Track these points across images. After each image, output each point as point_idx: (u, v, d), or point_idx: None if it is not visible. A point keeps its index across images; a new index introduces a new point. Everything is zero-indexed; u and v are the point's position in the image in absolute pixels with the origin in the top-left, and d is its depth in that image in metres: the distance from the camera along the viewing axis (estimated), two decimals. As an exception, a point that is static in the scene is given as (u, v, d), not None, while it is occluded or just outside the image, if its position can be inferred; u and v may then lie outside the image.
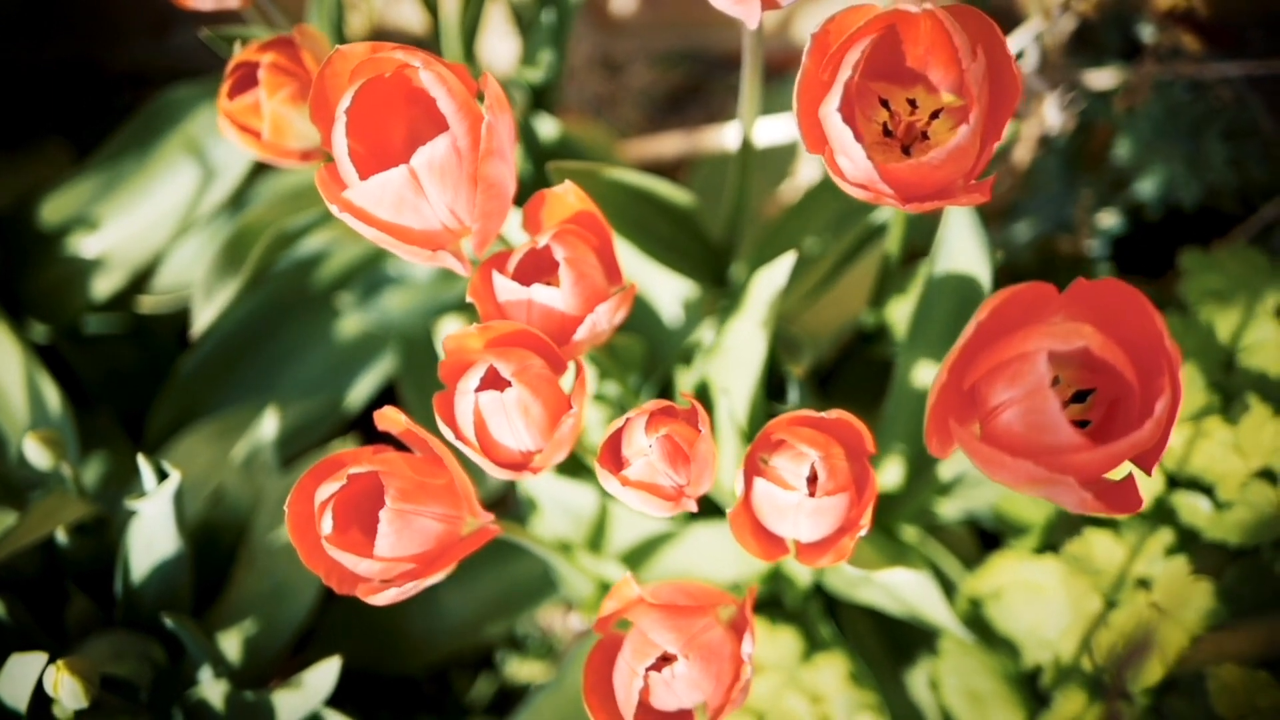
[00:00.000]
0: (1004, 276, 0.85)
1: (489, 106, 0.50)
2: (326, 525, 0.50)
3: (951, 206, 0.57)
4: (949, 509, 0.73)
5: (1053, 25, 0.79)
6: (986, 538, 0.80)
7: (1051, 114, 0.79)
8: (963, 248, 0.63)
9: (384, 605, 0.51)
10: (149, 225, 0.88)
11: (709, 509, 0.73)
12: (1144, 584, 0.67)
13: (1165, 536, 0.67)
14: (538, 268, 0.55)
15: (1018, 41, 0.80)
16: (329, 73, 0.51)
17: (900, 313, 0.79)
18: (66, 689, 0.59)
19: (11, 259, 0.90)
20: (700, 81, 1.12)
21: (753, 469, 0.52)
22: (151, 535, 0.68)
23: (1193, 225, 0.88)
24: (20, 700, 0.61)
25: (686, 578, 0.74)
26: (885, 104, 0.52)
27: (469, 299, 0.54)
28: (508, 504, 0.92)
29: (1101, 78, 0.84)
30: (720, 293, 0.76)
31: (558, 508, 0.76)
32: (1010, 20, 0.83)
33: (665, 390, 0.77)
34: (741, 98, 0.64)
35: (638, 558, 0.75)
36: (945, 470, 0.67)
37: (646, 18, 1.08)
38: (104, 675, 0.64)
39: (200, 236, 0.89)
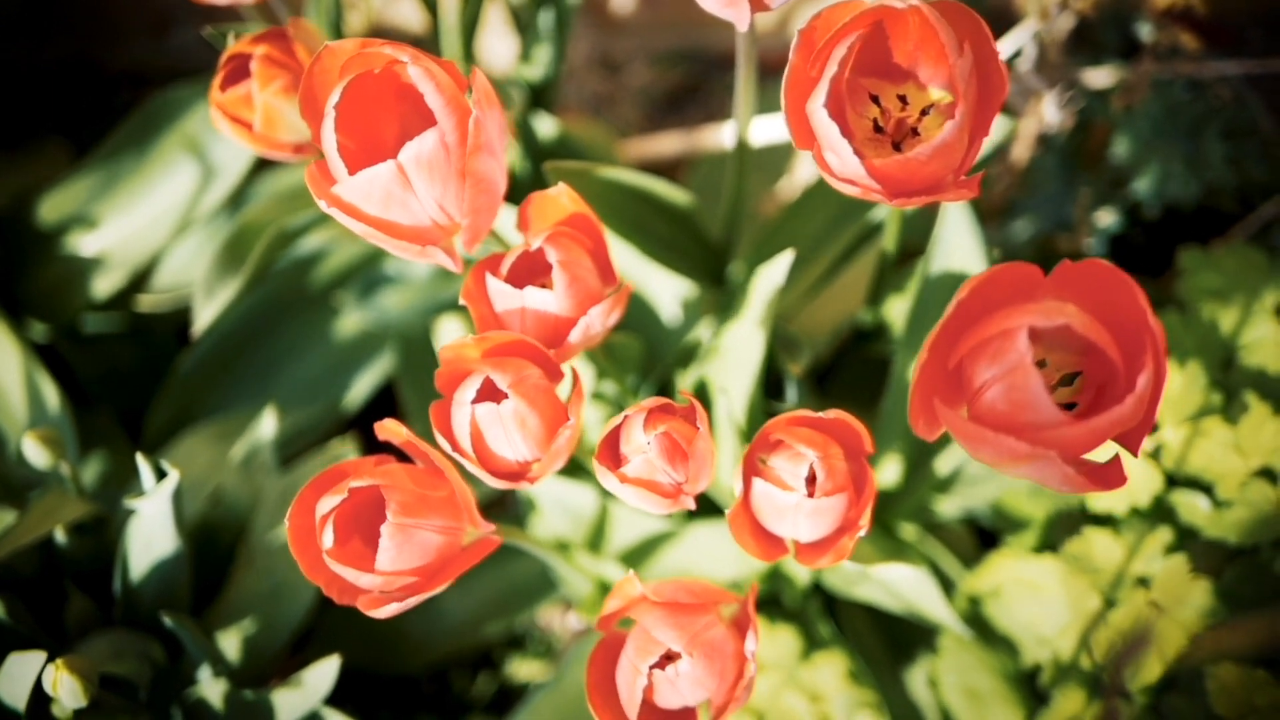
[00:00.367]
0: (1002, 275, 0.85)
1: (477, 101, 0.50)
2: (328, 539, 0.50)
3: (947, 204, 0.57)
4: (947, 507, 0.73)
5: (1051, 24, 0.79)
6: (985, 536, 0.80)
7: (1050, 112, 0.79)
8: (959, 246, 0.63)
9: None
10: (148, 224, 0.88)
11: (707, 508, 0.73)
12: (1143, 582, 0.67)
13: (1164, 535, 0.67)
14: (531, 270, 0.55)
15: (1016, 40, 0.80)
16: (318, 68, 0.50)
17: (897, 311, 0.79)
18: (65, 688, 0.59)
19: (10, 258, 0.90)
20: (699, 81, 1.12)
21: (751, 469, 0.52)
22: (150, 534, 0.68)
23: (1191, 224, 0.88)
24: (19, 699, 0.61)
25: (686, 576, 0.74)
26: (876, 100, 0.52)
27: (462, 302, 0.54)
28: (507, 503, 0.92)
29: (1100, 76, 0.83)
30: (718, 292, 0.76)
31: (557, 508, 0.76)
32: (1008, 19, 0.83)
33: (664, 389, 0.77)
34: (737, 97, 0.64)
35: (637, 557, 0.75)
36: (943, 467, 0.67)
37: (645, 17, 1.08)
38: (103, 674, 0.65)
39: (199, 235, 0.89)
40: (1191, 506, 0.67)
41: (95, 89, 1.10)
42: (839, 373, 0.86)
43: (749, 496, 0.53)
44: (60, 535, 0.72)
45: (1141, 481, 0.67)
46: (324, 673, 0.66)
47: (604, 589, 0.75)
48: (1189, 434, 0.67)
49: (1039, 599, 0.69)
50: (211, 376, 0.90)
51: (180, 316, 0.87)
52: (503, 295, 0.54)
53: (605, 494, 0.74)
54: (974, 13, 0.48)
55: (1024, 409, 0.44)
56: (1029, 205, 0.87)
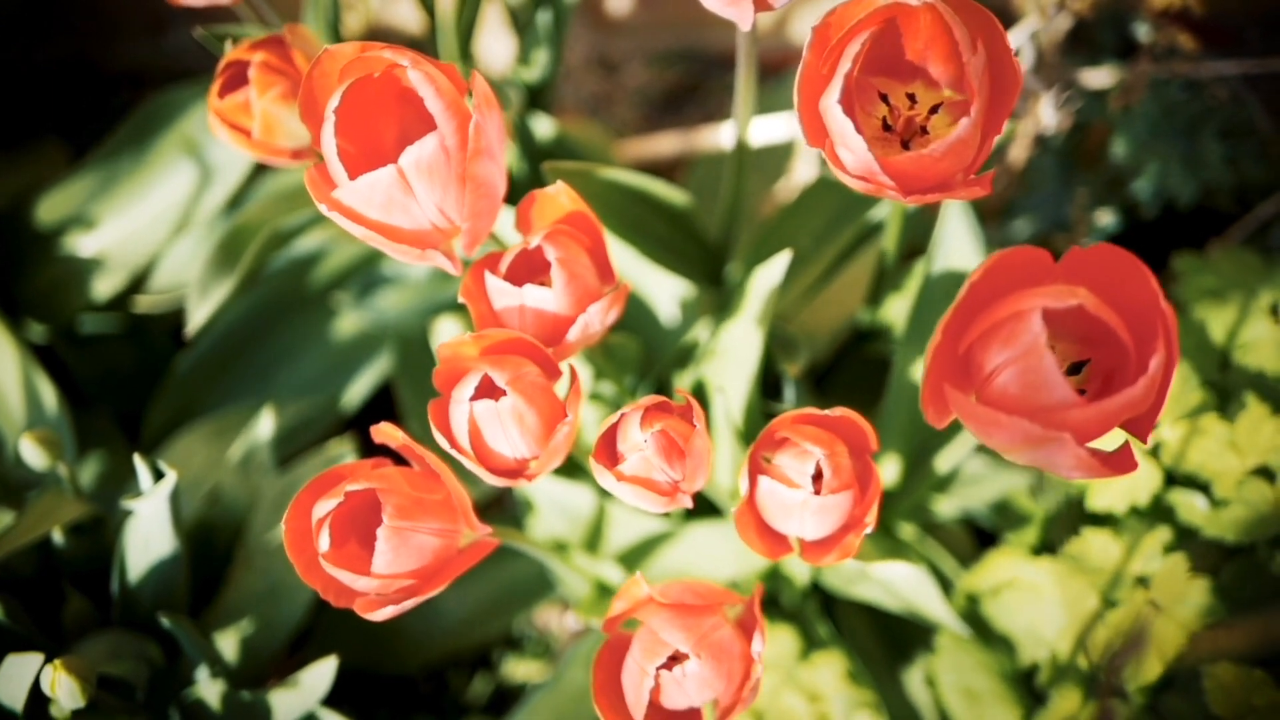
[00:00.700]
0: (1000, 275, 0.85)
1: (477, 105, 0.50)
2: (324, 542, 0.50)
3: (949, 203, 0.57)
4: (946, 507, 0.73)
5: (1048, 24, 0.79)
6: (983, 536, 0.80)
7: (1048, 113, 0.79)
8: (959, 246, 0.63)
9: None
10: (146, 225, 0.88)
11: (705, 508, 0.73)
12: (1141, 582, 0.67)
13: (1162, 534, 0.67)
14: (530, 268, 0.55)
15: (1013, 40, 0.80)
16: (318, 72, 0.50)
17: (897, 311, 0.79)
18: (63, 689, 0.59)
19: (8, 259, 0.90)
20: (697, 81, 1.12)
21: (756, 467, 0.52)
22: (148, 535, 0.68)
23: (1189, 224, 0.88)
24: (17, 700, 0.61)
25: (684, 577, 0.74)
26: (884, 99, 0.52)
27: (461, 300, 0.54)
28: (504, 503, 0.92)
29: (1097, 76, 0.84)
30: (716, 292, 0.76)
31: (554, 508, 0.76)
32: (1006, 19, 0.83)
33: (661, 389, 0.77)
34: (736, 98, 0.64)
35: (635, 558, 0.75)
36: (941, 467, 0.67)
37: (643, 17, 1.08)
38: (101, 675, 0.64)
39: (197, 236, 0.89)
40: (1189, 505, 0.67)
41: (94, 89, 1.10)
42: (838, 373, 0.87)
43: (754, 494, 0.53)
44: (58, 536, 0.72)
45: (1141, 479, 0.67)
46: (321, 673, 0.66)
47: (602, 589, 0.75)
48: (1187, 432, 0.67)
49: (1037, 599, 0.69)
50: (209, 377, 0.90)
51: (178, 317, 0.87)
52: (502, 293, 0.54)
53: (603, 494, 0.74)
54: (986, 10, 0.48)
55: (1037, 390, 0.44)
56: (1027, 205, 0.87)
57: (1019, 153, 0.83)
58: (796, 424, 0.52)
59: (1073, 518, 0.71)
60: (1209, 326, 0.71)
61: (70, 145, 1.01)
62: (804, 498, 0.51)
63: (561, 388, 0.54)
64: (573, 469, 0.76)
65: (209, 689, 0.67)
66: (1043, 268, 0.47)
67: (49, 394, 0.79)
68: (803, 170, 0.97)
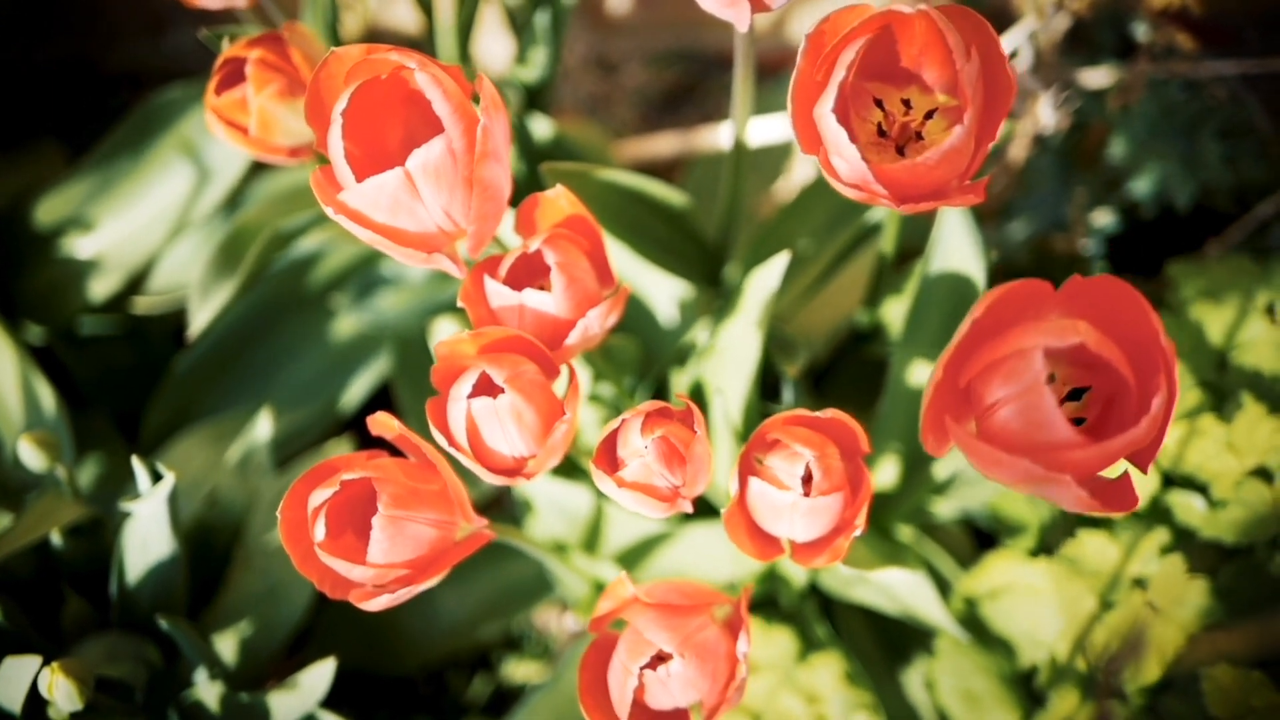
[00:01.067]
0: (999, 276, 0.85)
1: (484, 109, 0.50)
2: (319, 532, 0.50)
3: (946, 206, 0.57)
4: (944, 508, 0.73)
5: (1047, 24, 0.79)
6: (982, 537, 0.80)
7: (1046, 113, 0.79)
8: (957, 247, 0.63)
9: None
10: (144, 226, 0.88)
11: (704, 509, 0.73)
12: (1139, 583, 0.67)
13: (1160, 535, 0.67)
14: (530, 272, 0.55)
15: (1012, 40, 0.80)
16: (325, 75, 0.50)
17: (895, 312, 0.79)
18: (61, 691, 0.59)
19: (6, 260, 0.90)
20: (696, 81, 1.12)
21: (748, 469, 0.52)
22: (146, 537, 0.68)
23: (1188, 224, 0.88)
24: (15, 703, 0.61)
25: (682, 577, 0.74)
26: (880, 104, 0.52)
27: (460, 303, 0.54)
28: (503, 504, 0.92)
29: (1096, 76, 0.84)
30: (715, 293, 0.76)
31: (553, 508, 0.76)
32: (1004, 19, 0.83)
33: (660, 391, 0.77)
34: (734, 99, 0.64)
35: (633, 558, 0.75)
36: (940, 469, 0.67)
37: (641, 17, 1.08)
38: (99, 677, 0.64)
39: (195, 237, 0.89)
40: (1187, 506, 0.67)
41: (92, 90, 1.10)
42: (836, 374, 0.86)
43: (745, 496, 0.53)
44: (56, 538, 0.72)
45: (1139, 481, 0.67)
46: (320, 675, 0.66)
47: (600, 590, 0.75)
48: (1184, 433, 0.67)
49: (1035, 601, 0.69)
50: (208, 378, 0.90)
51: (177, 319, 0.87)
52: (501, 297, 0.54)
53: (601, 495, 0.74)
54: (980, 17, 0.48)
55: (1037, 429, 0.45)
56: (1025, 206, 0.87)
57: (1017, 153, 0.83)
58: (787, 426, 0.52)
59: (1070, 520, 0.71)
60: (1206, 327, 0.71)
61: (69, 146, 1.00)
62: (793, 500, 0.51)
63: (560, 386, 0.54)
64: (571, 469, 0.76)
65: (207, 691, 0.67)
66: (1044, 299, 0.47)
67: (47, 395, 0.79)
68: (801, 170, 0.97)
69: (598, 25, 1.10)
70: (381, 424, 0.52)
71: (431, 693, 0.91)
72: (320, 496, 0.51)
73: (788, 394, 0.75)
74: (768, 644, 0.72)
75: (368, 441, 0.58)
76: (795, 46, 0.49)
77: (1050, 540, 0.72)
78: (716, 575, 0.74)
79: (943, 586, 0.73)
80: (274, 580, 0.74)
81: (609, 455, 0.53)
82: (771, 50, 1.05)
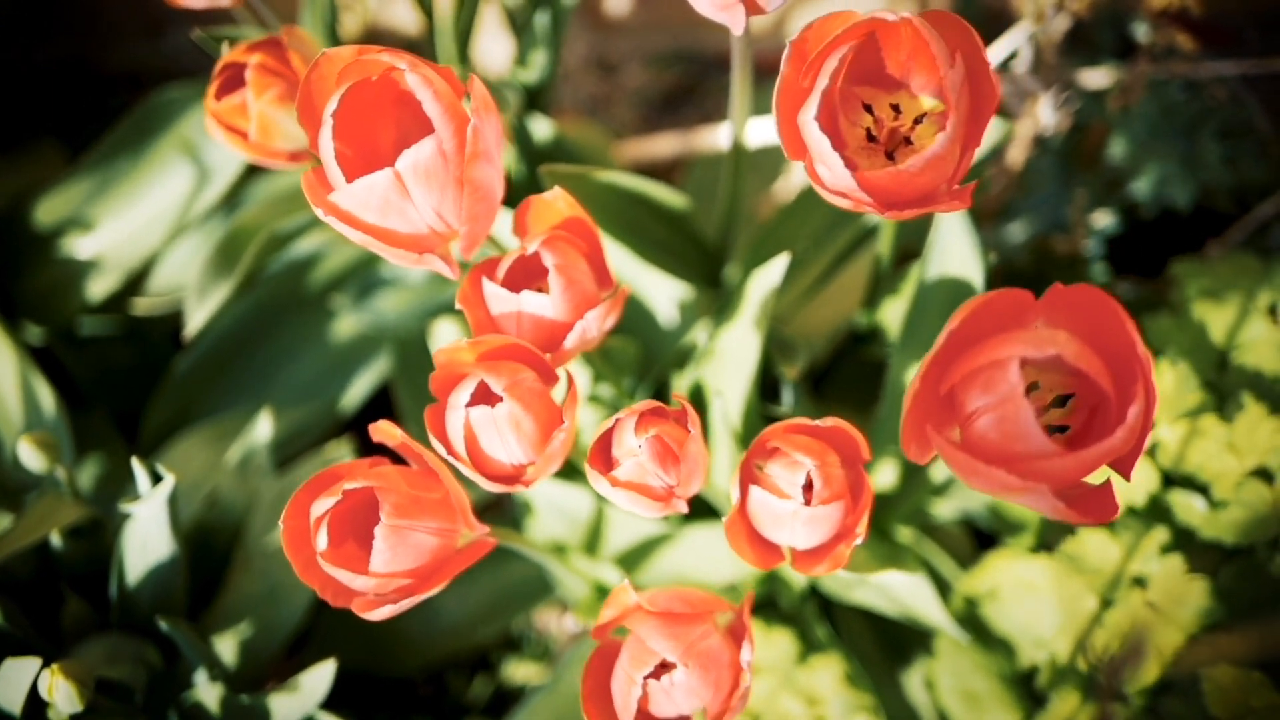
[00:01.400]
0: (999, 276, 0.85)
1: (475, 109, 0.49)
2: (322, 541, 0.50)
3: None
4: (944, 509, 0.73)
5: (1047, 25, 0.79)
6: (982, 537, 0.80)
7: (1046, 114, 0.79)
8: (955, 249, 0.63)
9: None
10: (143, 227, 0.88)
11: (704, 511, 0.73)
12: (1139, 583, 0.67)
13: (1160, 535, 0.67)
14: (527, 274, 0.55)
15: (1011, 41, 0.80)
16: (316, 76, 0.50)
17: (893, 314, 0.79)
18: (61, 693, 0.59)
19: (6, 260, 0.90)
20: (695, 82, 1.12)
21: (748, 477, 0.52)
22: (146, 538, 0.68)
23: (1188, 224, 0.88)
24: (15, 704, 0.61)
25: (682, 580, 0.74)
26: (869, 109, 0.52)
27: (458, 306, 0.54)
28: (503, 505, 0.92)
29: (1096, 77, 0.83)
30: (714, 294, 0.76)
31: (553, 510, 0.76)
32: (1004, 20, 0.83)
33: (660, 392, 0.77)
34: (732, 99, 0.64)
35: (633, 560, 0.75)
36: (938, 471, 0.67)
37: (641, 18, 1.08)
38: (99, 678, 0.64)
39: (194, 238, 0.89)
40: (1188, 506, 0.67)
41: (91, 90, 1.10)
42: (835, 375, 0.86)
43: (746, 503, 0.52)
44: (56, 539, 0.72)
45: (1138, 480, 0.67)
46: (320, 676, 0.66)
47: (601, 591, 0.75)
48: (1185, 433, 0.67)
49: (1035, 600, 0.69)
50: (208, 379, 0.90)
51: (176, 319, 0.87)
52: (499, 299, 0.54)
53: (601, 497, 0.74)
54: (965, 23, 0.48)
55: (1015, 440, 0.45)
56: (1025, 207, 0.87)
57: (1017, 154, 0.83)
58: (788, 434, 0.52)
59: (1071, 519, 0.71)
60: (1208, 327, 0.71)
61: (69, 146, 1.00)
62: (794, 508, 0.51)
63: (558, 393, 0.54)
64: (571, 471, 0.76)
65: (207, 692, 0.67)
66: (1024, 308, 0.48)
67: (47, 396, 0.79)
68: (800, 172, 0.97)
69: (598, 26, 1.10)
70: (384, 432, 0.52)
71: (431, 694, 0.91)
72: (323, 506, 0.50)
73: (787, 395, 0.75)
74: (768, 646, 0.72)
75: (367, 442, 0.58)
76: (795, 47, 0.49)
77: (1050, 539, 0.72)
78: (717, 577, 0.74)
79: (942, 587, 0.73)
80: (274, 581, 0.74)
81: (604, 455, 0.53)
82: (771, 51, 1.05)
